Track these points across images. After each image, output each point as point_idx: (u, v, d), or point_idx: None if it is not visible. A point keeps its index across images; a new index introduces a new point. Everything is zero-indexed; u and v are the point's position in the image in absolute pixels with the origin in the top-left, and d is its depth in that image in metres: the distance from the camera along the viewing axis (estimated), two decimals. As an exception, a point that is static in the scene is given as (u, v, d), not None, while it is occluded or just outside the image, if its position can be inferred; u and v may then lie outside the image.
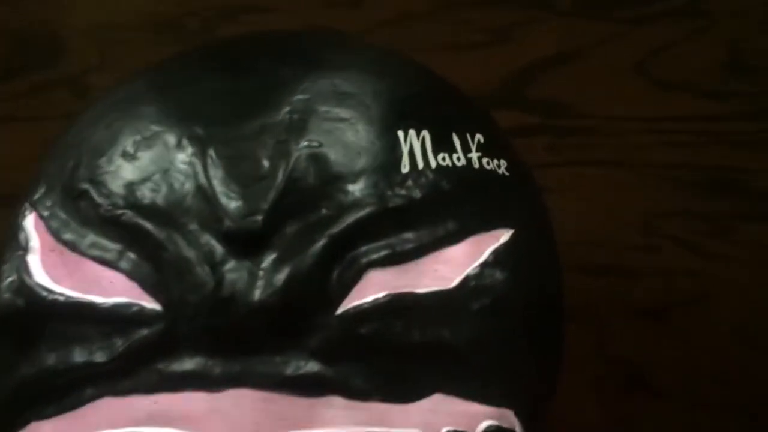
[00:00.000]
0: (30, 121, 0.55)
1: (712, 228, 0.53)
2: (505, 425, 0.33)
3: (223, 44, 0.40)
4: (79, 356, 0.31)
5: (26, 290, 0.32)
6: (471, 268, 0.33)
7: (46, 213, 0.33)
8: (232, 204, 0.31)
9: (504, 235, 0.34)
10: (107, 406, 0.31)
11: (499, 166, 0.36)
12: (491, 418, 0.33)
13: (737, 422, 0.53)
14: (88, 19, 0.54)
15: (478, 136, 0.36)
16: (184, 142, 0.32)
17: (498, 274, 0.33)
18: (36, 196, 0.34)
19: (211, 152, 0.32)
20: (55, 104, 0.56)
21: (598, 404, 0.54)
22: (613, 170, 0.53)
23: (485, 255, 0.33)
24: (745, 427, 0.53)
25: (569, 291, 0.50)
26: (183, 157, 0.32)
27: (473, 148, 0.35)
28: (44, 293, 0.32)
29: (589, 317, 0.53)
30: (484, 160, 0.35)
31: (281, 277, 0.30)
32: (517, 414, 0.34)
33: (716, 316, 0.53)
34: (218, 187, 0.31)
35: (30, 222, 0.33)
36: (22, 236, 0.33)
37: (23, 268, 0.32)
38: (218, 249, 0.30)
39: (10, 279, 0.32)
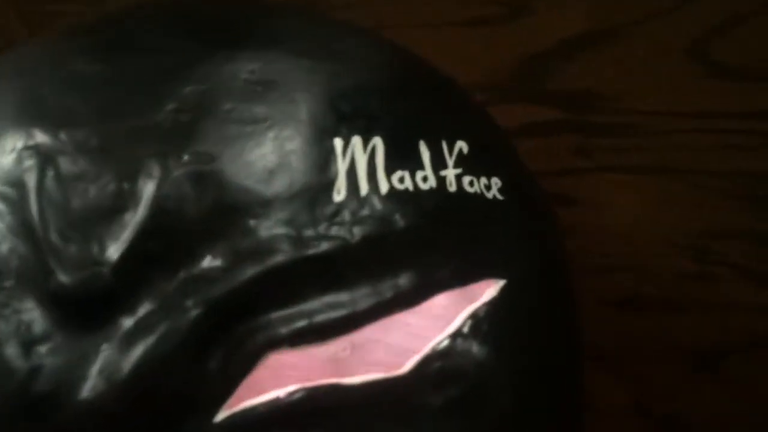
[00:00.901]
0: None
1: (782, 253, 0.46)
2: None
3: (121, 13, 0.30)
4: None
5: None
6: (434, 342, 0.23)
7: None
8: (69, 249, 0.21)
9: (489, 290, 0.25)
10: None
11: (488, 186, 0.27)
12: None
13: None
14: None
15: (460, 145, 0.27)
16: (19, 152, 0.23)
17: (476, 350, 0.24)
18: None
19: (51, 170, 0.22)
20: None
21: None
22: (658, 179, 0.45)
23: (458, 321, 0.24)
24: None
25: (600, 331, 0.45)
26: (13, 175, 0.22)
27: (450, 162, 0.26)
28: None
29: (626, 365, 0.47)
30: (466, 180, 0.26)
31: (129, 363, 0.21)
32: None
33: (788, 363, 0.46)
34: (53, 222, 0.22)
35: None
36: None
37: None
38: (40, 318, 0.21)
39: None
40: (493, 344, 0.24)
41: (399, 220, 0.23)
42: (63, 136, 0.23)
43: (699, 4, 0.44)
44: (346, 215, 0.23)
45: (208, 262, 0.21)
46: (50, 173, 0.22)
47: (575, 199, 0.46)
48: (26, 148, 0.23)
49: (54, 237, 0.21)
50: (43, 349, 0.21)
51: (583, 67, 0.45)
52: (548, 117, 0.46)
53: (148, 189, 0.22)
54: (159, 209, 0.22)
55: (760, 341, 0.46)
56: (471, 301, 0.24)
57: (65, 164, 0.22)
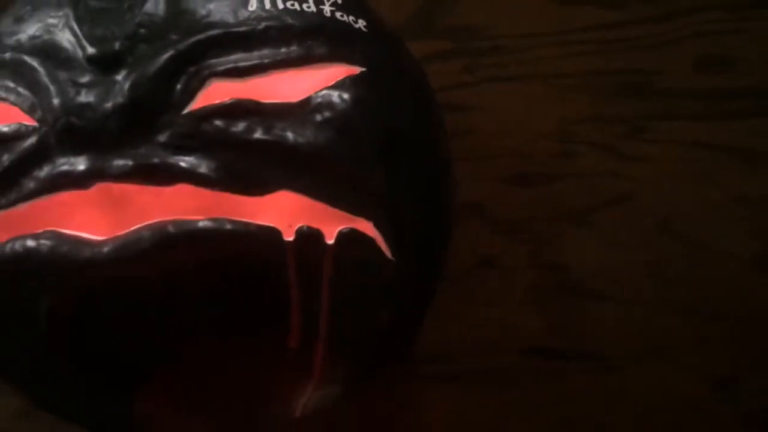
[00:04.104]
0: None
1: (625, 130, 0.55)
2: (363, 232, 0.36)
3: None
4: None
5: None
6: (318, 89, 0.36)
7: None
8: (96, 35, 0.36)
9: (357, 71, 0.38)
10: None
11: (355, 21, 0.40)
12: (347, 223, 0.36)
13: (677, 317, 0.53)
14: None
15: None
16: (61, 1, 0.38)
17: (346, 96, 0.36)
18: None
19: (81, 6, 0.37)
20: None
21: (535, 311, 0.54)
22: (528, 84, 0.55)
23: (335, 80, 0.37)
24: (687, 322, 0.53)
25: (496, 203, 0.54)
26: (59, 12, 0.38)
27: (327, 3, 0.39)
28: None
29: (520, 227, 0.55)
30: (338, 13, 0.39)
31: (129, 82, 0.35)
32: (377, 227, 0.36)
33: (639, 213, 0.54)
34: (86, 28, 0.37)
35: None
36: None
37: None
38: (82, 70, 0.35)
39: None
40: (359, 95, 0.36)
41: (289, 20, 0.37)
42: None
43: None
44: (256, 16, 0.37)
45: (174, 36, 0.36)
46: (80, 7, 0.37)
47: (467, 106, 0.55)
48: None
49: (86, 32, 0.36)
50: (84, 82, 0.35)
51: (463, 8, 0.55)
52: (442, 47, 0.55)
53: (138, 6, 0.37)
54: (144, 13, 0.36)
55: (617, 199, 0.54)
56: (344, 73, 0.37)
57: (88, 3, 0.37)
